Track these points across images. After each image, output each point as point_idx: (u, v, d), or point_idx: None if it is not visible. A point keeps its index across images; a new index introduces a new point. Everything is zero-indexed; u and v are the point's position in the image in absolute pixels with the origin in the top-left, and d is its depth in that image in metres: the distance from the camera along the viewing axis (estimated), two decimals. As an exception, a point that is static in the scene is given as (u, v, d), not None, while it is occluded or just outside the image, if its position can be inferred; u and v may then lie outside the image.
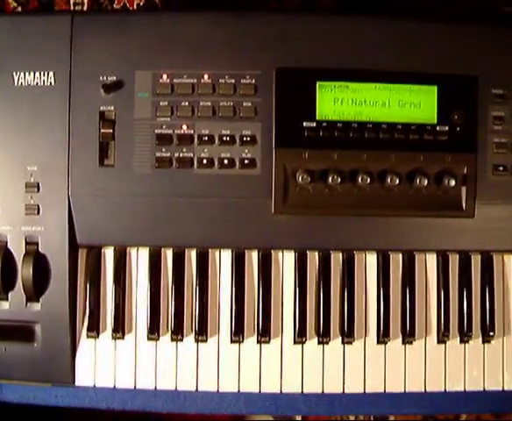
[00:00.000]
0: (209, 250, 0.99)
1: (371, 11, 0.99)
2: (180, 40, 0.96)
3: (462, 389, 1.01)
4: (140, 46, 0.96)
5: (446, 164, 0.97)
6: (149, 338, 0.98)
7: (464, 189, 0.98)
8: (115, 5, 1.48)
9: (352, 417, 1.46)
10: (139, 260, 0.99)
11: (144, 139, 0.96)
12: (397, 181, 0.95)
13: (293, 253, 0.99)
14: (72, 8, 1.45)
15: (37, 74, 0.96)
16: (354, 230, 0.99)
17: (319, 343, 0.99)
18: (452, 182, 0.96)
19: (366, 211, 0.97)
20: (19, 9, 1.42)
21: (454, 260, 1.01)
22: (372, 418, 1.47)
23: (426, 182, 0.96)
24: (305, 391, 0.99)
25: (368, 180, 0.95)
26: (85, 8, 1.45)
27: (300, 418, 1.45)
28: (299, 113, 0.96)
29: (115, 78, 0.96)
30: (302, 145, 0.96)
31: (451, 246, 1.01)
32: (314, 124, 0.96)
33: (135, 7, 1.46)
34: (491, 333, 1.00)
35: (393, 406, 1.03)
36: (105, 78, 0.96)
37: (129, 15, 1.00)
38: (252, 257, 0.99)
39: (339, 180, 0.95)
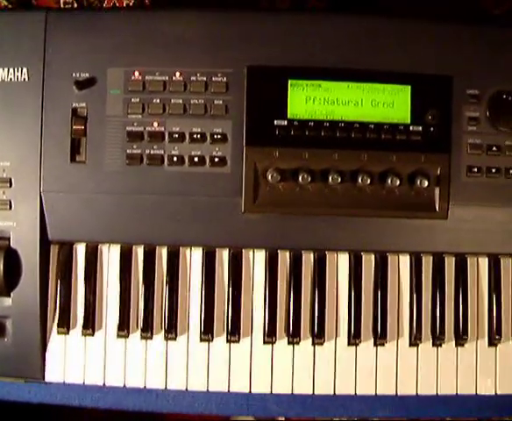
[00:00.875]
0: (180, 248, 0.99)
1: (345, 10, 0.98)
2: (152, 38, 0.96)
3: (434, 393, 0.99)
4: (113, 43, 0.96)
5: (419, 164, 0.96)
6: (119, 336, 0.98)
7: (437, 190, 0.97)
8: (105, 5, 1.49)
9: (335, 419, 1.44)
10: (110, 256, 0.99)
11: (115, 136, 0.96)
12: (369, 181, 0.94)
13: (264, 253, 0.99)
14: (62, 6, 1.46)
15: (11, 70, 0.96)
16: (326, 230, 0.98)
17: (289, 343, 0.98)
18: (425, 183, 0.95)
19: (337, 211, 0.97)
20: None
21: (427, 262, 1.00)
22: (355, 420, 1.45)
23: (398, 183, 0.95)
24: (274, 392, 0.98)
25: (339, 179, 0.94)
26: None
27: (283, 419, 1.43)
28: (270, 111, 0.96)
29: (87, 75, 0.96)
30: (273, 143, 0.95)
31: (424, 247, 1.00)
32: (285, 123, 0.95)
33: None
34: (464, 337, 0.99)
35: (366, 409, 1.02)
36: (78, 75, 0.96)
37: (102, 13, 1.00)
38: (223, 256, 0.99)
39: (310, 179, 0.94)
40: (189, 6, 0.98)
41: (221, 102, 0.96)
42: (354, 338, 0.98)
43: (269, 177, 0.94)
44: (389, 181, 0.95)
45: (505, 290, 1.00)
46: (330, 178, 0.94)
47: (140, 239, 0.98)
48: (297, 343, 0.98)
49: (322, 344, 0.98)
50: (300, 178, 0.94)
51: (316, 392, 0.98)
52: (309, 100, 0.96)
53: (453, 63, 0.97)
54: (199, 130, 0.96)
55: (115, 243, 0.99)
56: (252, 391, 0.98)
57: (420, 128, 0.96)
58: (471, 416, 1.00)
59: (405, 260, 1.00)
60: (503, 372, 0.99)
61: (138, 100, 0.96)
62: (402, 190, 0.96)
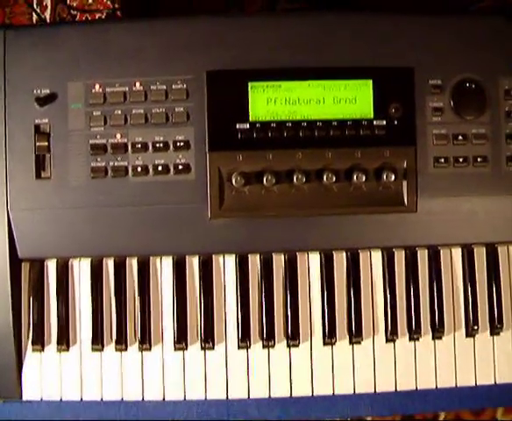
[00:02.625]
0: (150, 258, 0.98)
1: (306, 9, 0.97)
2: (110, 50, 0.96)
3: (414, 388, 0.98)
4: (72, 57, 0.96)
5: (385, 159, 0.96)
6: (93, 349, 0.97)
7: (405, 184, 0.96)
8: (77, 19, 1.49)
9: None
10: (81, 271, 0.98)
11: (79, 150, 0.96)
12: (334, 179, 0.94)
13: (234, 257, 0.98)
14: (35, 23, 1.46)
15: (-28, 90, 0.96)
16: (295, 230, 0.97)
17: (264, 347, 0.97)
18: (392, 177, 0.94)
19: (304, 211, 0.96)
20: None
21: (400, 257, 0.99)
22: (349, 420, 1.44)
23: (365, 179, 0.94)
24: (252, 396, 0.97)
25: (304, 179, 0.94)
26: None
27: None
28: (232, 115, 0.95)
29: (48, 91, 0.96)
30: (236, 147, 0.95)
31: (396, 242, 0.99)
32: (247, 126, 0.95)
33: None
34: (441, 330, 0.98)
35: (347, 408, 1.01)
36: (39, 91, 0.96)
37: (59, 27, 0.99)
38: (193, 263, 0.98)
39: (275, 180, 0.94)
40: (146, 16, 0.98)
41: (182, 109, 0.96)
42: (329, 337, 0.97)
43: (234, 181, 0.94)
44: (355, 177, 0.94)
45: (480, 280, 0.99)
46: (295, 178, 0.94)
47: (110, 252, 0.98)
48: (272, 346, 0.97)
49: (297, 345, 0.97)
50: (265, 180, 0.94)
51: (293, 394, 0.98)
52: (271, 101, 0.96)
53: (414, 54, 0.97)
54: (161, 138, 0.95)
55: (85, 257, 0.98)
56: (230, 397, 0.97)
57: (384, 122, 0.96)
58: (452, 408, 0.99)
59: (377, 256, 0.99)
60: (482, 362, 0.98)
61: (99, 113, 0.96)
62: (369, 186, 0.96)
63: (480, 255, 1.00)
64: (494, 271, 0.99)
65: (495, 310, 0.98)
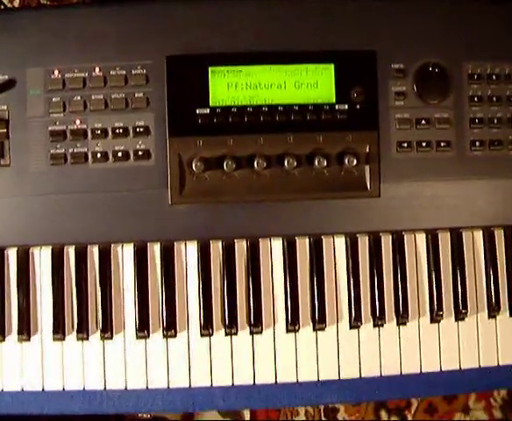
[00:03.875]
0: (112, 245, 0.97)
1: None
2: (69, 35, 0.95)
3: (378, 375, 0.97)
4: (31, 43, 0.95)
5: (347, 143, 0.95)
6: (54, 339, 0.96)
7: (367, 169, 0.96)
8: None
9: (301, 414, 1.43)
10: (42, 259, 0.97)
11: (38, 137, 0.95)
12: (295, 164, 0.93)
13: (195, 244, 0.97)
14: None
15: None
16: (257, 216, 0.97)
17: (227, 334, 0.96)
18: (354, 162, 0.94)
19: (265, 197, 0.95)
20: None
21: (364, 242, 0.98)
22: (322, 415, 1.43)
23: (326, 163, 0.94)
24: (214, 385, 0.97)
25: (265, 164, 0.93)
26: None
27: (248, 417, 1.42)
28: (192, 101, 0.94)
29: (7, 77, 0.95)
30: (197, 133, 0.94)
31: (359, 227, 0.98)
32: (207, 111, 0.94)
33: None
34: (405, 316, 0.97)
35: (313, 396, 1.00)
36: (-3, 77, 0.95)
37: (17, 13, 0.99)
38: (155, 250, 0.97)
39: (235, 166, 0.93)
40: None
41: (142, 94, 0.95)
42: (292, 324, 0.96)
43: (194, 167, 0.93)
44: (317, 162, 0.94)
45: (444, 265, 0.98)
46: (256, 164, 0.93)
47: (71, 239, 0.97)
48: (235, 333, 0.96)
49: (260, 333, 0.96)
50: (225, 166, 0.93)
51: (257, 382, 0.97)
52: (231, 86, 0.95)
53: (376, 37, 0.96)
54: (121, 124, 0.94)
55: (46, 245, 0.97)
56: (192, 385, 0.96)
57: (346, 106, 0.95)
58: (418, 395, 0.99)
59: (340, 242, 0.98)
60: (447, 348, 0.97)
61: (58, 99, 0.95)
62: (332, 171, 0.95)
63: (445, 241, 0.99)
64: (458, 257, 0.98)
65: (460, 295, 0.97)
